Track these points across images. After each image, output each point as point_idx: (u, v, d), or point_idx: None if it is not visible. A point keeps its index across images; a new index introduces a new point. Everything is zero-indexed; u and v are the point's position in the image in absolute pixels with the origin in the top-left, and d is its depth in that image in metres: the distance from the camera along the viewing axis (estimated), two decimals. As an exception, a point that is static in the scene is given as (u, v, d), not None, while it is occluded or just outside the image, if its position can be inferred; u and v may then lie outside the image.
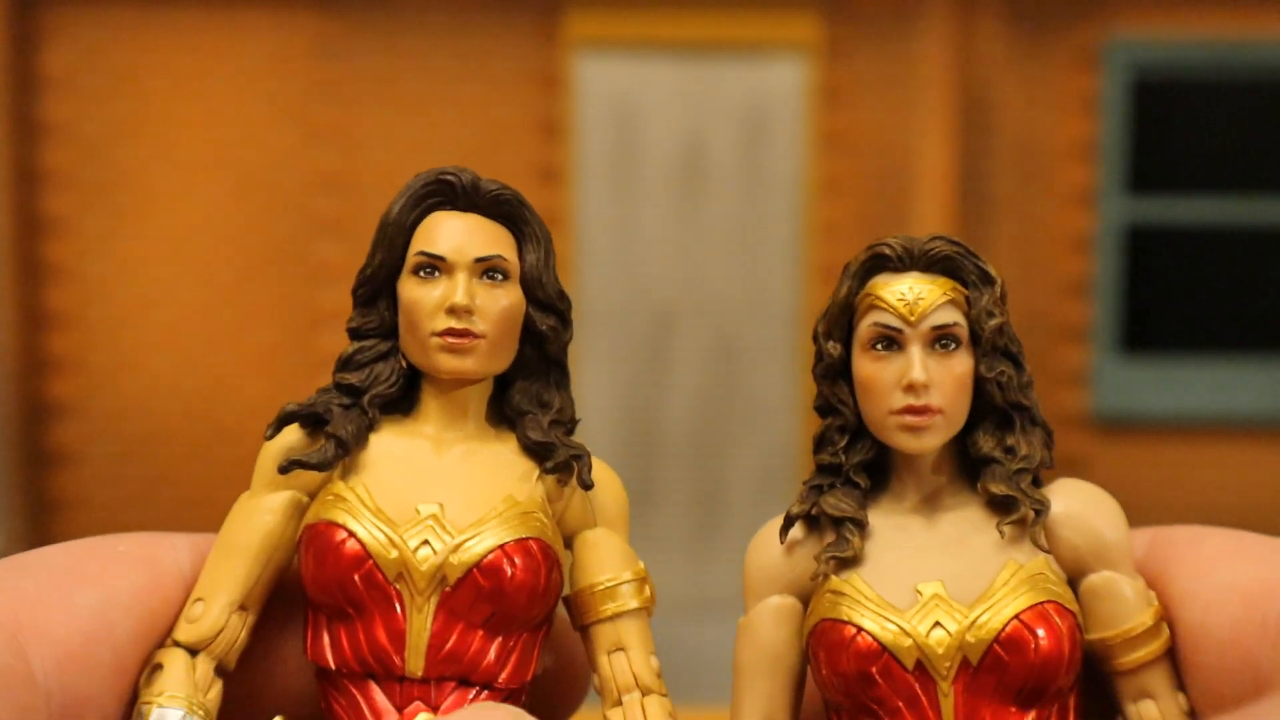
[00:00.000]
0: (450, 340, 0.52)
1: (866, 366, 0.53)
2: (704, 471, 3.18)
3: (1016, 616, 0.49)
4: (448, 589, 0.49)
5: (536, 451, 0.53)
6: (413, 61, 3.31)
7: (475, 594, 0.49)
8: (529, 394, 0.55)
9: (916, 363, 0.52)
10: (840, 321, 0.54)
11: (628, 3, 3.17)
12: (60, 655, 0.46)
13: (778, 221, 3.31)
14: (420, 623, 0.49)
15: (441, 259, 0.53)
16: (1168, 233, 3.24)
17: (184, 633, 0.50)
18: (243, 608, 0.51)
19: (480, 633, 0.49)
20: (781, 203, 3.32)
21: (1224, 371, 3.24)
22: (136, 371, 3.35)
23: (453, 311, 0.52)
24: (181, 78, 3.32)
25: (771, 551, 0.54)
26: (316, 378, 3.46)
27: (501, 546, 0.49)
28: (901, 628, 0.50)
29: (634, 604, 0.53)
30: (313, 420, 0.53)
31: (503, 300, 0.53)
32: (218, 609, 0.50)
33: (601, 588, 0.53)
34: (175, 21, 3.29)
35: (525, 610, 0.50)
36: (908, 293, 0.52)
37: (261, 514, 0.52)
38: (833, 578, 0.52)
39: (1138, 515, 0.57)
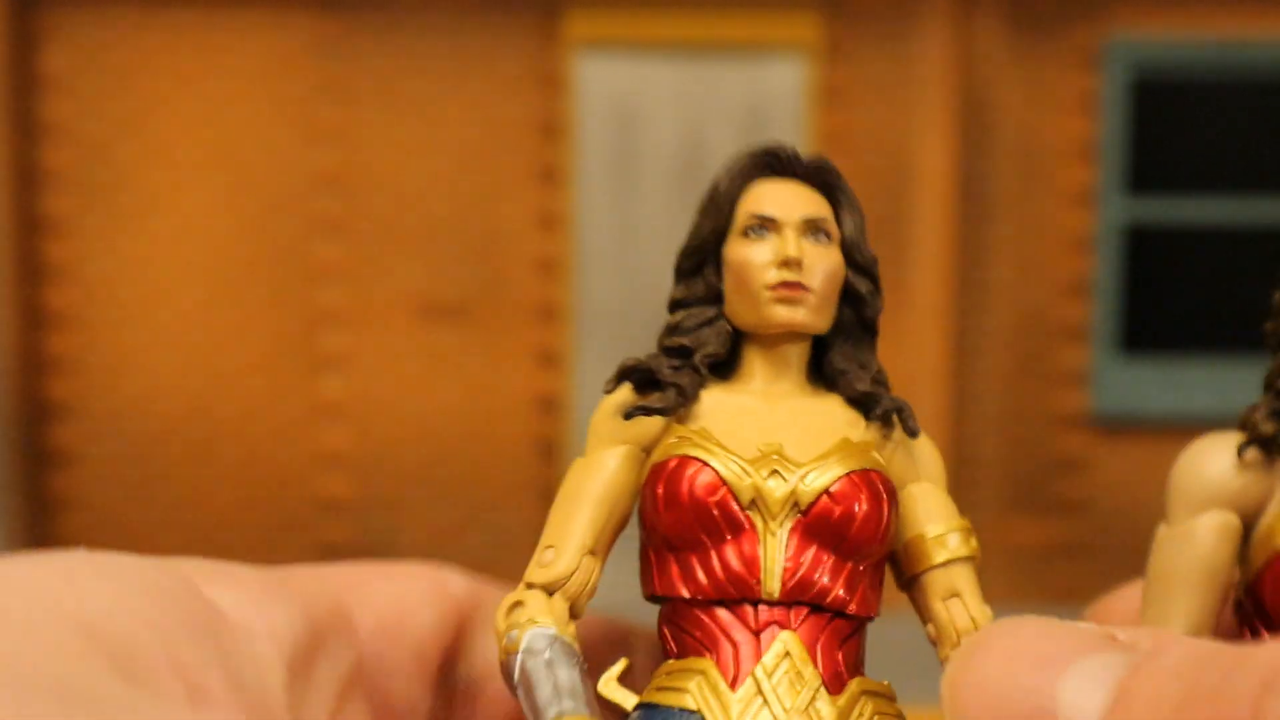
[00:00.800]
0: (784, 292, 0.54)
1: None
2: (704, 471, 3.18)
3: None
4: (800, 515, 0.51)
5: (861, 402, 0.55)
6: (413, 61, 3.31)
7: (827, 519, 0.51)
8: (847, 355, 0.57)
9: None
10: None
11: (628, 3, 3.17)
12: (377, 624, 0.51)
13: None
14: (774, 547, 0.50)
15: (771, 219, 0.55)
16: (1168, 233, 3.24)
17: (537, 575, 0.51)
18: (592, 552, 0.52)
19: (831, 559, 0.51)
20: (781, 203, 3.32)
21: (1224, 371, 3.24)
22: (136, 371, 3.35)
23: (785, 264, 0.54)
24: (181, 78, 3.32)
25: (1221, 465, 0.53)
26: (316, 378, 3.47)
27: (848, 475, 0.51)
28: None
29: (964, 551, 0.54)
30: (645, 379, 0.55)
31: (828, 258, 0.55)
32: (569, 552, 0.52)
33: (933, 535, 0.54)
34: (175, 22, 3.29)
35: (871, 540, 0.52)
36: None
37: (602, 465, 0.54)
38: None
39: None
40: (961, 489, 3.26)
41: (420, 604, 0.53)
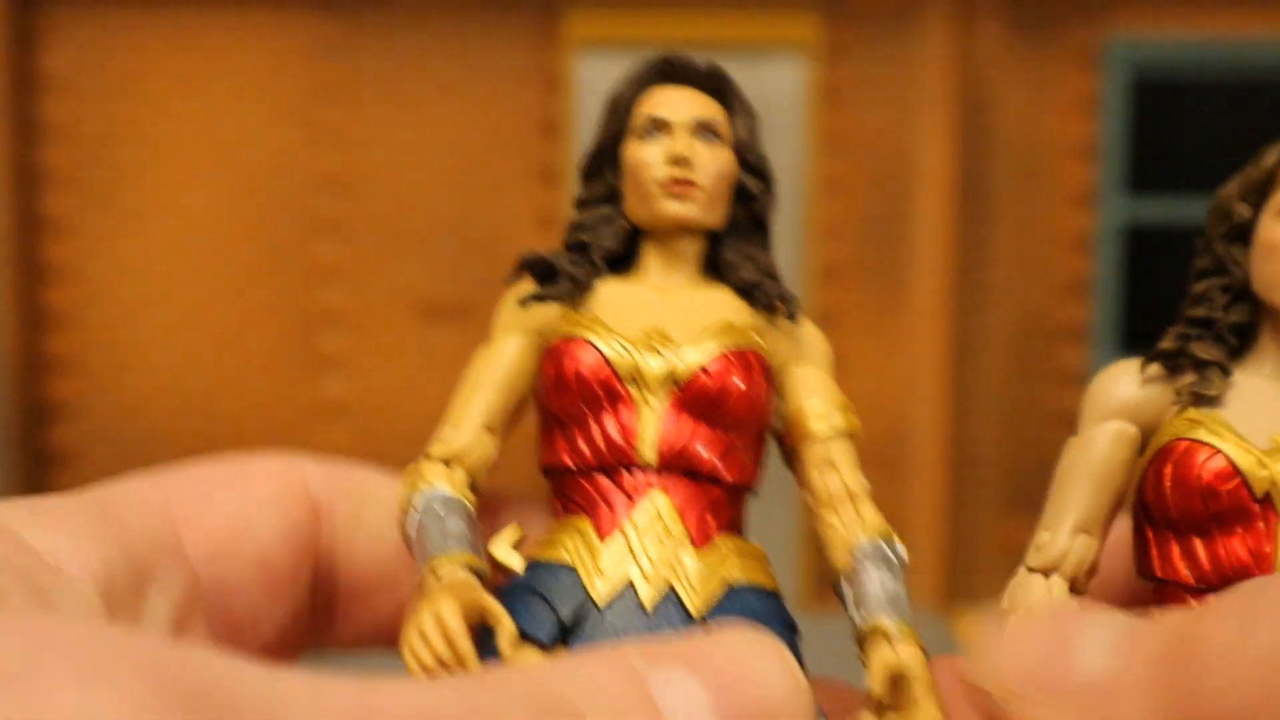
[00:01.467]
0: (674, 188, 0.58)
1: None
2: (704, 471, 3.18)
3: None
4: (677, 389, 0.54)
5: (747, 291, 0.59)
6: (413, 61, 3.31)
7: (703, 393, 0.54)
8: (739, 250, 0.60)
9: None
10: (1258, 188, 0.60)
11: (628, 3, 3.17)
12: (209, 544, 0.50)
13: (778, 221, 3.30)
14: (650, 418, 0.54)
15: (664, 120, 0.59)
16: (1168, 233, 3.24)
17: (437, 449, 0.55)
18: (490, 429, 0.56)
19: (706, 431, 0.54)
20: (782, 203, 3.31)
21: (1224, 371, 3.24)
22: (136, 371, 3.35)
23: (676, 162, 0.58)
24: (181, 78, 3.32)
25: (1126, 382, 0.58)
26: (316, 378, 3.47)
27: (724, 353, 0.55)
28: (1259, 459, 0.53)
29: (843, 428, 0.57)
30: (545, 270, 0.58)
31: (718, 157, 0.59)
32: (468, 429, 0.55)
33: (813, 412, 0.57)
34: (175, 22, 3.29)
35: (745, 414, 0.55)
36: None
37: (502, 351, 0.58)
38: (1190, 409, 0.56)
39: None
40: (962, 489, 3.25)
41: (262, 512, 0.52)
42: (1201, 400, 0.56)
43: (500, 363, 0.57)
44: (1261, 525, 0.53)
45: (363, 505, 0.57)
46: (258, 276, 3.34)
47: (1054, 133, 3.34)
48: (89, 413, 3.36)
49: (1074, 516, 0.57)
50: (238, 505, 0.52)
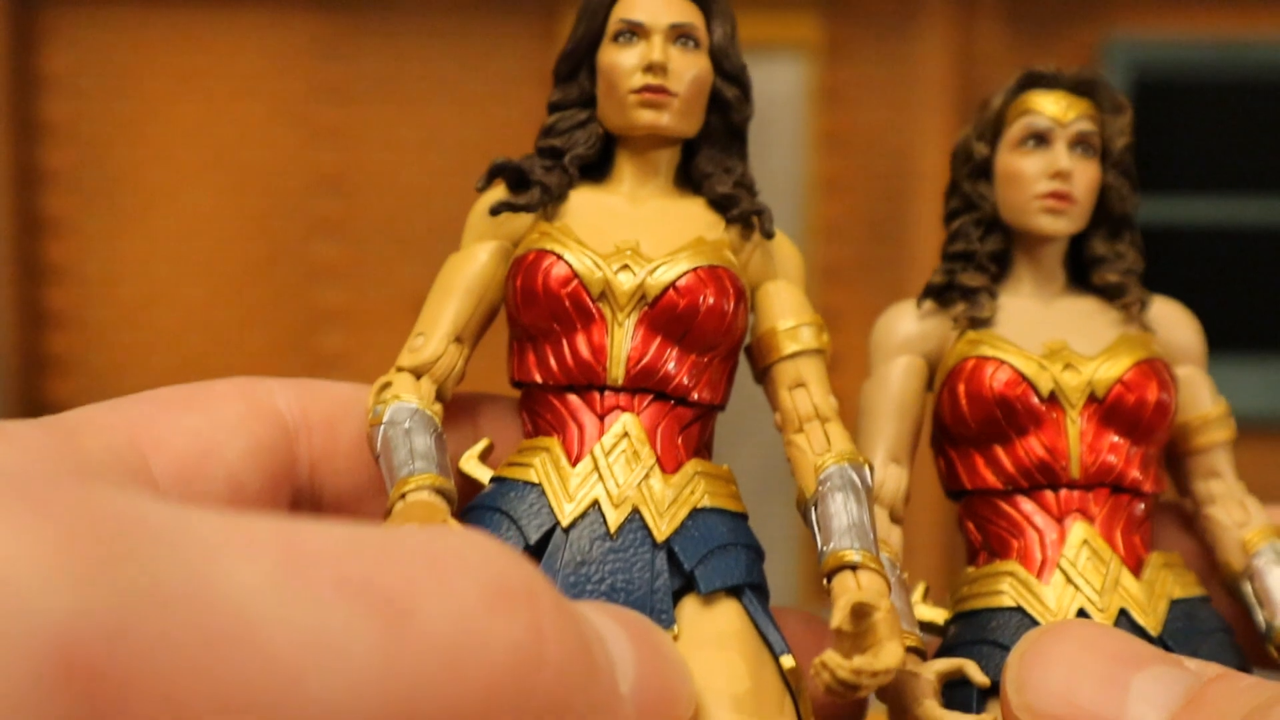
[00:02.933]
0: (648, 95, 0.56)
1: (1017, 161, 0.62)
2: (704, 471, 3.18)
3: (1136, 364, 0.59)
4: (646, 307, 0.54)
5: (722, 204, 0.58)
6: (413, 61, 3.31)
7: (672, 311, 0.53)
8: (714, 160, 0.59)
9: (1063, 155, 0.61)
10: (992, 127, 0.64)
11: (628, 3, 3.16)
12: (176, 466, 0.49)
13: (778, 221, 3.30)
14: (620, 337, 0.54)
15: (640, 24, 0.57)
16: (1168, 233, 3.24)
17: (406, 359, 0.55)
18: (458, 340, 0.55)
19: (676, 350, 0.54)
20: (781, 203, 3.32)
21: (1224, 371, 3.24)
22: (136, 371, 3.35)
23: (650, 69, 0.56)
24: (181, 78, 3.32)
25: (905, 319, 0.63)
26: (316, 378, 3.46)
27: (695, 270, 0.54)
28: (1039, 364, 0.58)
29: (814, 344, 0.56)
30: (516, 178, 0.58)
31: (694, 64, 0.57)
32: (436, 338, 0.55)
33: (784, 328, 0.56)
34: (175, 22, 3.29)
35: (715, 333, 0.54)
36: (1060, 100, 0.62)
37: (473, 259, 0.57)
38: (969, 332, 0.61)
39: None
40: (961, 489, 3.26)
41: (227, 433, 0.51)
42: (977, 322, 0.61)
43: (470, 271, 0.56)
44: (1051, 421, 0.58)
45: (338, 420, 0.55)
46: (257, 276, 3.34)
47: (1054, 133, 3.34)
48: (89, 413, 3.36)
49: (883, 449, 0.60)
50: (203, 426, 0.50)
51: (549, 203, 0.57)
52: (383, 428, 0.52)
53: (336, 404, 0.56)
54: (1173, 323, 0.64)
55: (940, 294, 0.62)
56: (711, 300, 0.53)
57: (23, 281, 3.27)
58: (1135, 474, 0.58)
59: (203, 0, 3.27)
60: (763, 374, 0.57)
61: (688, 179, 0.59)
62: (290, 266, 3.34)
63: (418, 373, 0.54)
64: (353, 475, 0.55)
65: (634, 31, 0.57)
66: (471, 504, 0.53)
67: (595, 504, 0.51)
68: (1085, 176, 0.61)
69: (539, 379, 0.54)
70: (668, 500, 0.51)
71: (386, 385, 0.54)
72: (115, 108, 3.32)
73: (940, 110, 3.24)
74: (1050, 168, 0.60)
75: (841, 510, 0.51)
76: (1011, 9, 3.31)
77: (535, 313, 0.54)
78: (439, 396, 0.54)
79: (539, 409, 0.55)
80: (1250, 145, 3.35)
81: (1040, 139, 0.62)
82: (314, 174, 3.34)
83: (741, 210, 0.57)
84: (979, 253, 0.63)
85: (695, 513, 0.51)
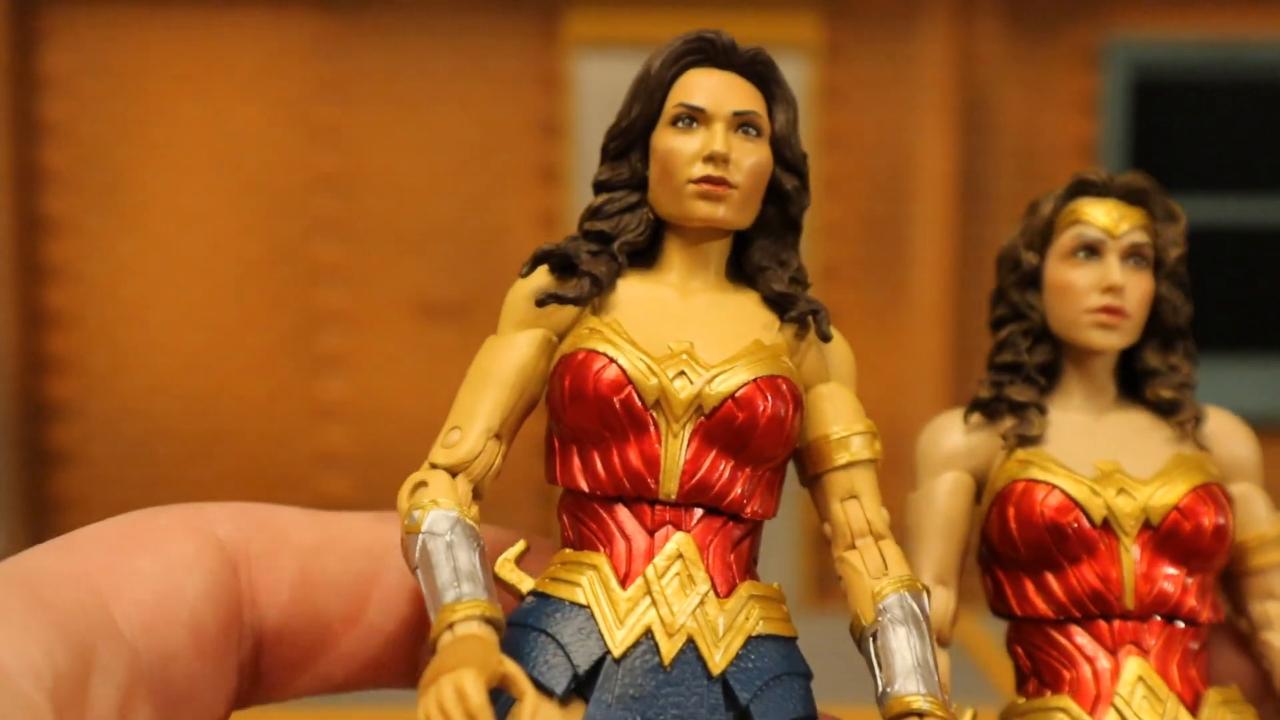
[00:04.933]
0: (707, 187, 0.53)
1: (1067, 272, 0.60)
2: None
3: (1192, 489, 0.57)
4: (703, 418, 0.51)
5: (778, 302, 0.55)
6: (413, 61, 3.31)
7: (729, 424, 0.51)
8: (768, 252, 0.56)
9: (1115, 269, 0.59)
10: (1041, 235, 0.62)
11: (628, 3, 3.16)
12: (141, 615, 0.47)
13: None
14: (675, 448, 0.51)
15: (701, 110, 0.54)
16: (1168, 233, 3.24)
17: (441, 456, 0.51)
18: (497, 436, 0.52)
19: (731, 463, 0.51)
20: (781, 203, 3.31)
21: (1224, 371, 3.24)
22: (136, 371, 3.35)
23: (711, 159, 0.53)
24: (181, 78, 3.32)
25: (953, 433, 0.61)
26: (316, 378, 3.47)
27: (755, 380, 0.51)
28: (1092, 489, 0.57)
29: (867, 454, 0.54)
30: (562, 263, 0.54)
31: (755, 154, 0.54)
32: (474, 435, 0.51)
33: (836, 437, 0.54)
34: (175, 22, 3.29)
35: (773, 446, 0.52)
36: (1112, 211, 0.61)
37: (514, 348, 0.53)
38: (1018, 450, 0.59)
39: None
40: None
41: (186, 574, 0.49)
42: (1026, 440, 0.59)
43: (511, 361, 0.53)
44: (1104, 549, 0.56)
45: (278, 552, 0.52)
46: (257, 276, 3.34)
47: (1054, 133, 3.34)
48: (89, 412, 3.36)
49: (929, 571, 0.59)
50: (160, 570, 0.48)
51: (597, 294, 0.53)
52: (422, 537, 0.48)
53: (277, 534, 0.53)
54: (1227, 438, 0.62)
55: (988, 407, 0.61)
56: (770, 412, 0.51)
57: (23, 281, 3.26)
58: (1192, 603, 0.56)
59: (203, 0, 3.27)
60: (811, 481, 0.55)
61: (739, 270, 0.56)
62: (290, 266, 3.34)
63: (454, 471, 0.51)
64: (296, 609, 0.52)
65: (694, 117, 0.54)
66: (512, 618, 0.49)
67: (648, 632, 0.48)
68: (1138, 290, 0.60)
69: (585, 486, 0.51)
70: (722, 628, 0.49)
71: (421, 485, 0.50)
72: (115, 108, 3.32)
73: (940, 110, 3.24)
74: (1102, 281, 0.59)
75: (905, 647, 0.49)
76: (1011, 9, 3.31)
77: (584, 417, 0.51)
78: (476, 495, 0.51)
79: (583, 516, 0.51)
80: (1250, 145, 3.34)
81: (1091, 250, 0.60)
82: (314, 174, 3.34)
83: (800, 311, 0.54)
84: (1027, 365, 0.61)
85: (750, 641, 0.49)
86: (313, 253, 3.34)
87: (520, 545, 0.52)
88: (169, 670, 0.47)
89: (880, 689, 0.49)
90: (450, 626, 0.45)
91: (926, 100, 3.26)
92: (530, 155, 3.28)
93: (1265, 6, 3.26)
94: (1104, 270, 0.59)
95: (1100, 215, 0.61)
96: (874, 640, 0.50)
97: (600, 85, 3.24)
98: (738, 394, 0.51)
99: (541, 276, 0.54)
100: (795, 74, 3.29)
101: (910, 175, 3.29)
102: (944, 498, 0.60)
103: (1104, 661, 0.56)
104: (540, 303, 0.53)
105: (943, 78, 3.24)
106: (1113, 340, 0.59)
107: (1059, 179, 0.63)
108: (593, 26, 3.23)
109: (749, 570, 0.52)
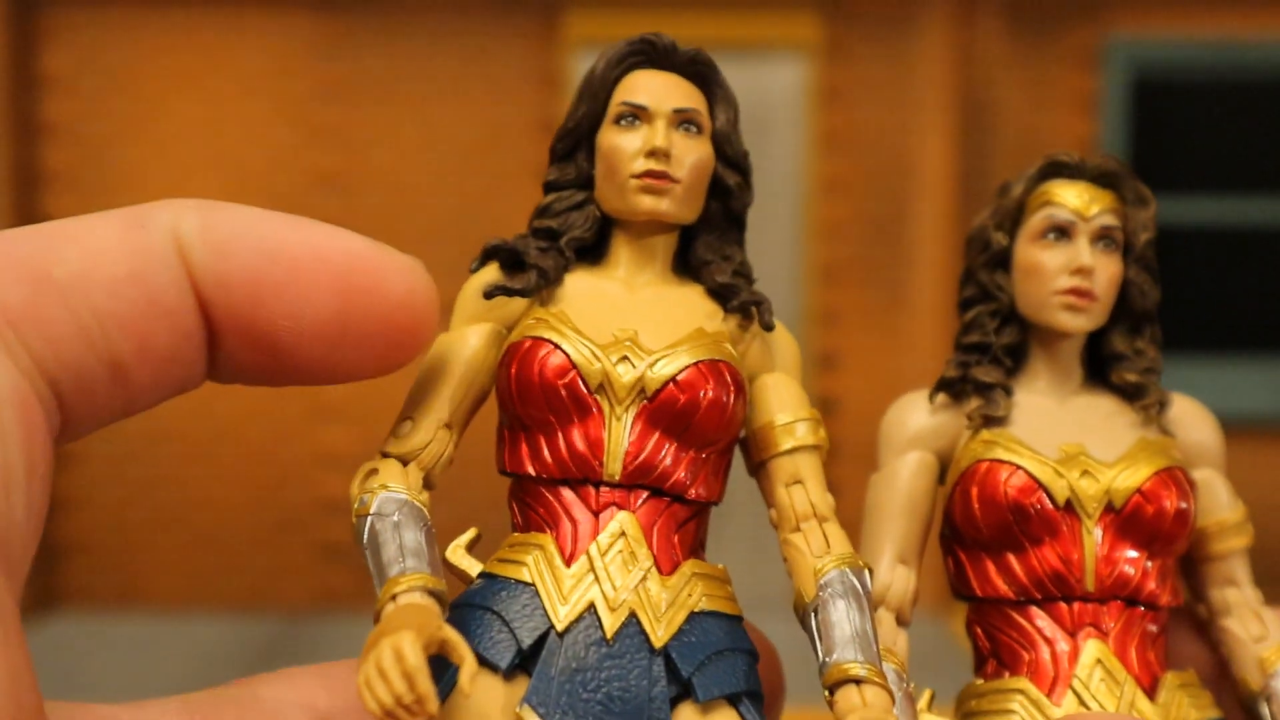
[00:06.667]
0: (649, 181, 0.55)
1: (1037, 254, 0.60)
2: (704, 471, 3.18)
3: (1155, 473, 0.57)
4: (646, 400, 0.52)
5: (721, 294, 0.56)
6: (413, 61, 3.31)
7: (672, 406, 0.52)
8: (712, 247, 0.58)
9: (1085, 251, 0.59)
10: (1011, 216, 0.62)
11: (628, 3, 3.17)
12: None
13: (778, 221, 3.31)
14: (619, 431, 0.52)
15: (643, 108, 0.56)
16: (1168, 233, 3.23)
17: (393, 446, 0.53)
18: (448, 425, 0.54)
19: (674, 445, 0.52)
20: (781, 203, 3.32)
21: (1224, 371, 3.24)
22: (136, 371, 3.35)
23: (653, 154, 0.55)
24: (181, 78, 3.32)
25: (918, 412, 0.61)
26: (316, 378, 3.47)
27: (696, 364, 0.53)
28: (1055, 470, 0.57)
29: (811, 440, 0.55)
30: (511, 259, 0.56)
31: (697, 151, 0.56)
32: (425, 425, 0.53)
33: (781, 424, 0.55)
34: (175, 21, 3.29)
35: (715, 429, 0.53)
36: (1083, 193, 0.61)
37: (464, 341, 0.55)
38: (983, 431, 0.59)
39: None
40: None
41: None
42: (991, 421, 0.59)
43: (461, 355, 0.54)
44: (1066, 530, 0.56)
45: None
46: (258, 276, 3.34)
47: (1054, 133, 3.34)
48: (89, 413, 3.36)
49: (890, 550, 0.59)
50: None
51: (544, 287, 0.55)
52: (370, 519, 0.49)
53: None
54: (1192, 423, 0.62)
55: (954, 387, 0.61)
56: (711, 396, 0.52)
57: (23, 281, 3.27)
58: (1152, 587, 0.57)
59: (203, 0, 3.27)
60: (758, 468, 0.56)
61: (685, 265, 0.58)
62: (290, 266, 3.34)
63: (405, 460, 0.52)
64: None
65: (637, 115, 0.56)
66: (459, 600, 0.51)
67: (591, 607, 0.49)
68: (1107, 272, 0.59)
69: (532, 471, 0.52)
70: (665, 603, 0.50)
71: (373, 472, 0.51)
72: (115, 108, 3.32)
73: (940, 110, 3.24)
74: (1072, 263, 0.59)
75: (844, 618, 0.50)
76: (1011, 9, 3.32)
77: (530, 402, 0.52)
78: (426, 484, 0.52)
79: (530, 501, 0.53)
80: (1250, 145, 3.35)
81: (1062, 232, 0.60)
82: (314, 174, 3.34)
83: (742, 301, 0.56)
84: (994, 345, 0.61)
85: (693, 616, 0.50)
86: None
87: (471, 532, 0.53)
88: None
89: (820, 659, 0.50)
90: (394, 598, 0.46)
91: (926, 100, 3.26)
92: (530, 155, 3.28)
93: (1265, 6, 3.26)
94: (1074, 252, 0.59)
95: (1071, 197, 0.61)
96: (815, 615, 0.51)
97: (600, 85, 3.24)
98: (679, 377, 0.52)
99: (490, 272, 0.56)
100: (795, 74, 3.30)
101: (910, 175, 3.29)
102: (908, 478, 0.60)
103: (1063, 644, 0.56)
104: (488, 294, 0.55)
105: (943, 77, 3.24)
106: (1080, 323, 0.59)
107: (1059, 179, 0.63)
108: (593, 26, 3.23)
109: (694, 551, 0.53)
